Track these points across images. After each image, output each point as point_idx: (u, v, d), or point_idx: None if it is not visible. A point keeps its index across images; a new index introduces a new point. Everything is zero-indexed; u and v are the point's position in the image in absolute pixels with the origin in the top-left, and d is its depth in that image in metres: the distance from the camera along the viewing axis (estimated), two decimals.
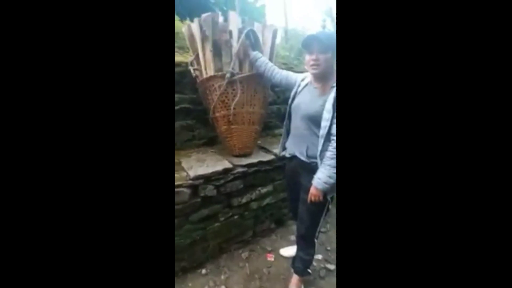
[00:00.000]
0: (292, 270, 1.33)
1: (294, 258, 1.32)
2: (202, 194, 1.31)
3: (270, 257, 1.52)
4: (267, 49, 1.46)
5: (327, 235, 1.75)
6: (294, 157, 1.18)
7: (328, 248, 1.63)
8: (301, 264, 1.27)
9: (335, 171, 0.99)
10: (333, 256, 1.56)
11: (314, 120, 1.05)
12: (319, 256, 1.54)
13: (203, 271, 1.39)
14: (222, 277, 1.37)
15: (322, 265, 1.48)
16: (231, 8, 3.35)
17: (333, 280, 1.40)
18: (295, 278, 1.31)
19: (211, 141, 1.73)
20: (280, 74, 1.26)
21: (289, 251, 1.54)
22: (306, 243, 1.23)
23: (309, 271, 1.31)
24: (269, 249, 1.59)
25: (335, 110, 0.97)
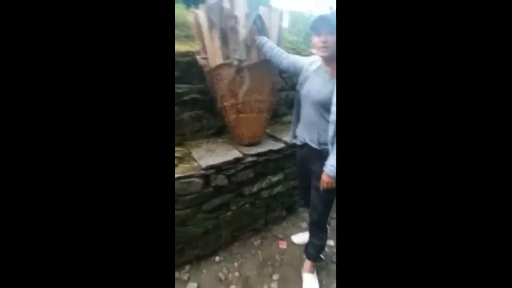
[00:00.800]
0: (304, 256, 1.35)
1: (306, 244, 1.33)
2: (213, 184, 1.32)
3: (282, 245, 1.54)
4: (273, 33, 1.41)
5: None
6: (305, 144, 1.17)
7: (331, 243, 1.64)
8: (313, 250, 1.28)
9: None
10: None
11: (325, 106, 1.02)
12: (331, 242, 1.55)
13: (217, 258, 1.43)
14: (236, 264, 1.40)
15: (334, 251, 1.50)
16: None
17: None
18: (307, 263, 1.33)
19: (220, 131, 1.73)
20: (288, 59, 1.22)
21: (300, 237, 1.55)
22: (318, 229, 1.24)
23: (322, 256, 1.32)
24: (281, 236, 1.61)
25: None
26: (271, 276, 1.34)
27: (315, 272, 1.33)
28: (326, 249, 1.41)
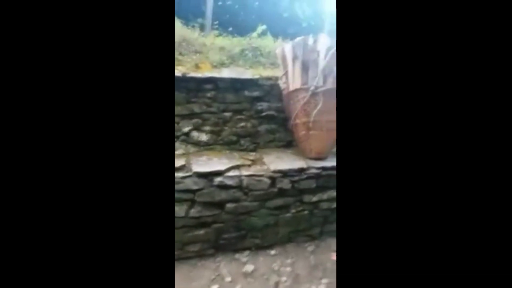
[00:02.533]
0: None
1: None
2: (278, 186, 1.56)
3: (334, 257, 1.62)
4: None
5: None
6: None
7: None
8: None
9: None
10: None
11: None
12: None
13: (272, 252, 1.63)
14: (289, 260, 1.57)
15: None
16: (318, 22, 3.56)
17: None
18: None
19: (289, 144, 1.98)
20: None
21: None
22: None
23: None
24: (335, 249, 1.69)
25: None
26: (320, 279, 1.46)
27: None
28: None
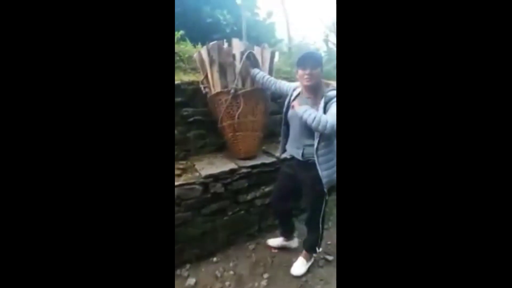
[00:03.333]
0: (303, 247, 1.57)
1: (304, 239, 1.55)
2: (212, 191, 1.54)
3: (274, 250, 1.69)
4: (266, 67, 1.71)
5: (328, 231, 1.89)
6: (292, 158, 1.40)
7: (329, 242, 1.77)
8: (308, 244, 1.51)
9: (331, 169, 1.24)
10: (332, 249, 1.71)
11: (308, 126, 1.26)
12: (320, 249, 1.69)
13: (214, 259, 1.60)
14: (231, 264, 1.57)
15: (322, 257, 1.63)
16: (240, 27, 3.70)
17: (331, 269, 1.55)
18: (304, 253, 1.54)
19: (221, 148, 1.98)
20: (275, 85, 1.50)
21: (275, 241, 1.70)
22: (311, 228, 1.47)
23: (317, 249, 1.52)
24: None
25: (325, 109, 1.20)
26: (262, 275, 1.49)
27: (309, 262, 1.54)
28: (315, 255, 1.56)
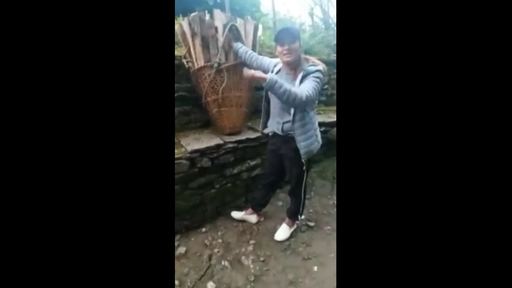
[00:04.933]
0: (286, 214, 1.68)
1: (288, 207, 1.66)
2: (199, 165, 1.58)
3: (260, 218, 1.80)
4: (249, 41, 1.69)
5: (310, 200, 2.02)
6: (274, 133, 1.44)
7: (310, 210, 1.91)
8: (291, 211, 1.62)
9: (308, 141, 1.29)
10: (314, 216, 1.84)
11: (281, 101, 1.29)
12: (302, 217, 1.81)
13: (203, 229, 1.68)
14: (219, 233, 1.66)
15: (304, 223, 1.76)
16: (223, 1, 3.53)
17: (312, 233, 1.68)
18: (287, 220, 1.66)
19: (206, 124, 1.99)
20: (256, 61, 1.49)
21: (237, 214, 1.78)
22: (294, 197, 1.58)
23: (299, 217, 1.64)
24: (259, 212, 1.87)
25: (302, 82, 1.22)
26: (248, 241, 1.60)
27: (292, 228, 1.66)
28: (298, 221, 1.68)
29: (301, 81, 1.22)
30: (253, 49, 1.69)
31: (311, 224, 1.76)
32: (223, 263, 1.44)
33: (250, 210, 1.74)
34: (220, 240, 1.60)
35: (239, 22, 1.64)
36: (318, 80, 1.21)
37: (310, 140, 1.34)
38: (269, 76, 1.15)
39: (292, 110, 1.27)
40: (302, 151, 1.32)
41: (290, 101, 1.14)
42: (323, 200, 2.04)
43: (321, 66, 1.25)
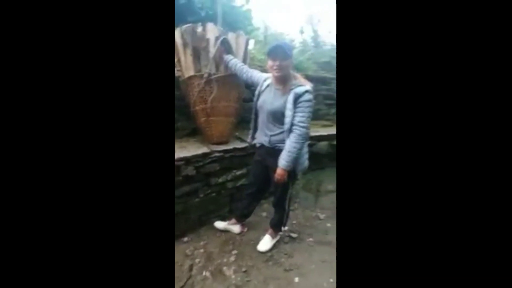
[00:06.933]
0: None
1: (271, 219, 1.67)
2: (183, 174, 1.58)
3: (243, 228, 1.79)
4: (240, 54, 1.75)
5: (294, 212, 2.04)
6: (261, 145, 1.48)
7: (294, 222, 1.93)
8: (274, 222, 1.63)
9: (295, 154, 1.31)
10: (297, 228, 1.86)
11: (276, 115, 1.34)
12: (285, 228, 1.83)
13: (185, 238, 1.66)
14: (201, 243, 1.64)
15: (287, 234, 1.77)
16: (216, 11, 3.61)
17: (294, 245, 1.70)
18: (270, 231, 1.66)
19: (193, 132, 2.00)
20: (247, 73, 1.54)
21: (221, 224, 1.77)
22: (278, 209, 1.59)
23: (283, 228, 1.66)
24: (243, 223, 1.86)
25: (295, 106, 1.27)
26: (230, 251, 1.59)
27: (275, 239, 1.67)
28: (281, 233, 1.69)
29: (293, 104, 1.26)
30: (244, 62, 1.74)
31: (294, 235, 1.77)
32: (204, 273, 1.42)
33: (233, 220, 1.74)
34: (202, 250, 1.58)
35: (230, 36, 1.70)
36: (309, 106, 1.28)
37: (305, 157, 1.41)
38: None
39: (287, 128, 1.30)
40: (298, 169, 1.39)
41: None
42: (306, 212, 2.07)
43: (309, 86, 1.30)
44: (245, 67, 1.58)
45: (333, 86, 3.09)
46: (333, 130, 2.66)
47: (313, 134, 2.33)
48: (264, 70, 1.87)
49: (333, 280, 1.41)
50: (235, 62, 1.59)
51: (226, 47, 1.64)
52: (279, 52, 1.25)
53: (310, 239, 1.75)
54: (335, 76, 3.11)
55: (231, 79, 1.69)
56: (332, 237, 1.77)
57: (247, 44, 1.80)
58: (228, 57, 1.61)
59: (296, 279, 1.42)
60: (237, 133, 2.06)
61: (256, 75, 1.51)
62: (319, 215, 2.04)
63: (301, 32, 4.08)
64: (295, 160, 1.33)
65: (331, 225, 1.92)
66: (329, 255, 1.60)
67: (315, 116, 2.92)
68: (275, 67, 1.27)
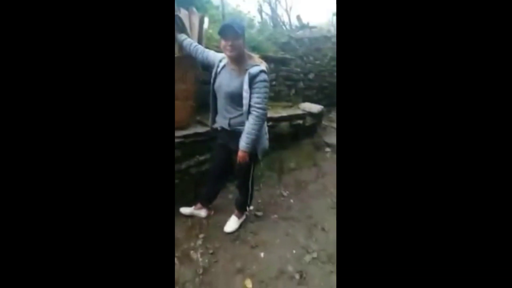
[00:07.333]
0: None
1: (236, 200, 1.71)
2: None
3: (209, 212, 1.81)
4: (195, 33, 1.65)
5: (259, 192, 2.11)
6: (222, 128, 1.46)
7: (259, 201, 2.00)
8: (239, 203, 1.67)
9: (255, 135, 1.31)
10: (262, 206, 1.94)
11: (234, 97, 1.32)
12: (251, 207, 1.89)
13: None
14: None
15: (253, 213, 1.84)
16: None
17: (260, 223, 1.78)
18: (236, 211, 1.70)
19: None
20: (202, 54, 1.47)
21: (186, 210, 1.78)
22: (241, 190, 1.63)
23: (248, 208, 1.71)
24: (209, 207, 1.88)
25: (251, 87, 1.26)
26: (197, 235, 1.61)
27: (241, 219, 1.72)
28: (247, 212, 1.75)
29: (249, 85, 1.25)
30: (199, 42, 1.65)
31: (259, 214, 1.85)
32: None
33: (199, 205, 1.74)
34: None
35: (182, 13, 1.59)
36: (265, 87, 1.28)
37: (265, 138, 1.43)
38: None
39: (245, 110, 1.30)
40: (258, 150, 1.40)
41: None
42: (270, 190, 2.16)
43: (264, 66, 1.30)
44: (200, 47, 1.51)
45: (293, 67, 3.14)
46: (293, 111, 2.74)
47: (274, 115, 2.38)
48: (221, 51, 1.82)
49: (295, 251, 1.53)
50: (189, 41, 1.51)
51: (178, 25, 1.53)
52: (229, 31, 1.22)
53: (275, 215, 1.85)
54: (294, 57, 3.15)
55: (186, 60, 1.60)
56: (295, 213, 1.89)
57: (201, 22, 1.70)
58: (181, 36, 1.52)
59: (262, 254, 1.50)
60: (198, 117, 2.00)
61: (212, 55, 1.46)
62: (282, 192, 2.14)
63: (260, 11, 3.99)
64: (255, 142, 1.35)
65: (294, 201, 2.04)
66: (292, 229, 1.72)
67: (276, 97, 2.97)
68: (228, 47, 1.24)
